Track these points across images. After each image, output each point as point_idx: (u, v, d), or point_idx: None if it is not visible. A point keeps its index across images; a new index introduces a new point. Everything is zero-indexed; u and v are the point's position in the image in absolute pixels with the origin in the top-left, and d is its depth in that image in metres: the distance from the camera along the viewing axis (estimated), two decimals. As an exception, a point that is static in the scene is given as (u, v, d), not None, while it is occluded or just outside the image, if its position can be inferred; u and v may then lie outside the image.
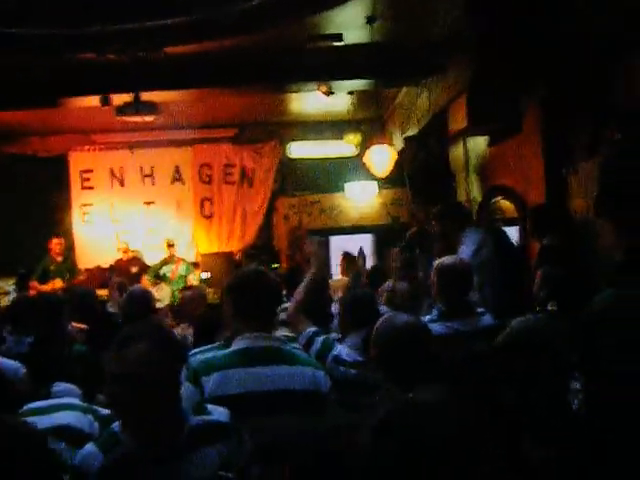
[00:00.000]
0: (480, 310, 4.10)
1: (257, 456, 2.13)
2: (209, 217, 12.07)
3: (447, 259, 4.12)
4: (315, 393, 2.79)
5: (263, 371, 2.69)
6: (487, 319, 4.04)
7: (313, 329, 3.67)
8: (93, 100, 8.29)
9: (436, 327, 3.68)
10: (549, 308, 3.55)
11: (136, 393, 2.03)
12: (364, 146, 10.14)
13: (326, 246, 10.84)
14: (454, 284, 3.99)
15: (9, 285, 10.38)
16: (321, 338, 3.60)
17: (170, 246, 10.75)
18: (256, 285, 2.86)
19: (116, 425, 2.16)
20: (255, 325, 2.81)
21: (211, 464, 2.21)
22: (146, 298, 4.80)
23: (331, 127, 11.45)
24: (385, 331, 2.84)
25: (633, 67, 5.35)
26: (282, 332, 4.50)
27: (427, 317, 3.97)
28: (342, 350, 3.55)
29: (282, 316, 5.77)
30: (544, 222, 5.60)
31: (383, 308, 4.28)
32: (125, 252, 10.90)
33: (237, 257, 11.87)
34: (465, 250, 4.93)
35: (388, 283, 5.00)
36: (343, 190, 10.87)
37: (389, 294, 4.68)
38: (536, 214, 5.82)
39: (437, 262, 4.13)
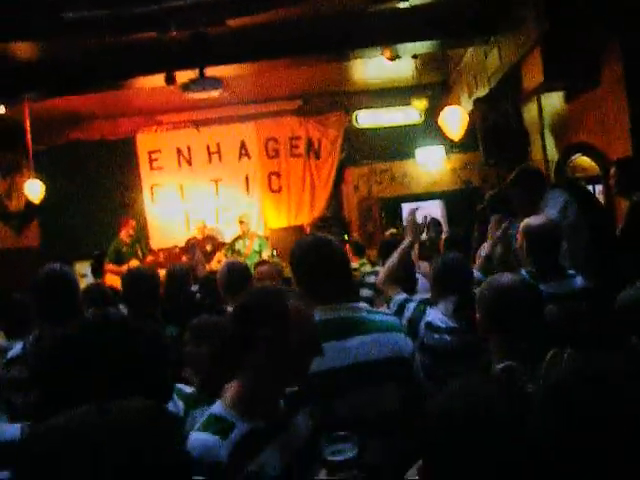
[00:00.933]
0: (571, 272, 3.90)
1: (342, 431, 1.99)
2: (277, 191, 12.03)
3: (534, 219, 3.93)
4: (397, 359, 2.57)
5: (338, 344, 2.48)
6: (579, 281, 3.85)
7: (404, 295, 3.61)
8: (158, 79, 8.28)
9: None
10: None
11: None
12: (431, 111, 9.89)
13: (397, 214, 10.71)
14: (544, 245, 3.81)
15: (85, 268, 10.58)
16: (413, 304, 3.52)
17: (242, 222, 10.77)
18: (316, 255, 2.65)
19: (217, 407, 2.06)
20: (323, 296, 2.59)
21: (304, 430, 2.17)
22: (246, 269, 4.78)
23: (396, 93, 11.20)
24: (493, 293, 2.61)
25: None
26: (364, 293, 4.41)
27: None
28: (435, 316, 3.45)
29: (368, 279, 5.71)
30: (633, 177, 5.30)
31: (477, 274, 4.13)
32: (201, 230, 10.96)
33: (307, 230, 11.82)
34: (551, 211, 4.70)
35: (482, 249, 4.81)
36: (412, 156, 10.67)
37: (483, 260, 4.49)
38: (623, 169, 5.47)
39: (524, 223, 3.94)
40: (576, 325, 3.19)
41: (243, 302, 2.11)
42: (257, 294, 2.15)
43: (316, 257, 2.63)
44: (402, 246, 3.67)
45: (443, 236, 6.69)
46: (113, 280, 9.19)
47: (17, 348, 3.32)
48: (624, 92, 6.03)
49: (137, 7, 6.92)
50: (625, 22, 5.81)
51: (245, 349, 2.02)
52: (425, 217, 4.14)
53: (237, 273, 4.52)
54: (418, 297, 3.89)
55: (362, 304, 2.73)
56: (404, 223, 4.10)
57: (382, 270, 3.86)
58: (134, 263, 9.97)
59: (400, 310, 3.50)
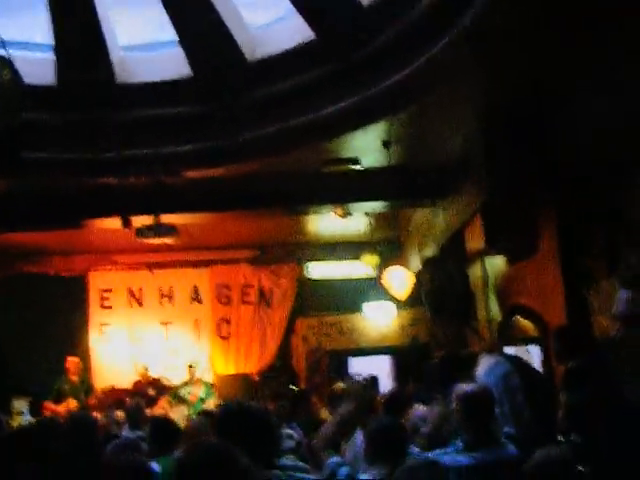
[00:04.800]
0: (504, 440, 3.94)
1: None
2: (226, 338, 11.95)
3: (468, 387, 4.00)
4: None
5: None
6: (511, 449, 3.87)
7: (336, 459, 3.57)
8: (114, 222, 8.43)
9: (461, 458, 3.57)
10: (573, 439, 3.40)
11: None
12: (382, 267, 10.14)
13: (344, 367, 10.67)
14: (477, 412, 3.86)
15: (23, 406, 10.22)
16: (345, 470, 3.48)
17: (191, 367, 10.61)
18: (238, 421, 2.76)
19: None
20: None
21: None
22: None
23: (349, 248, 11.50)
24: None
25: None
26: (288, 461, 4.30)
27: (451, 448, 3.82)
28: (366, 481, 3.41)
29: (288, 444, 5.65)
30: (568, 345, 5.46)
31: (414, 449, 4.07)
32: (143, 375, 10.73)
33: (255, 378, 11.68)
34: (479, 373, 4.79)
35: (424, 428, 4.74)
36: (361, 310, 10.79)
37: (425, 439, 4.40)
38: (559, 337, 5.67)
39: (457, 390, 4.00)
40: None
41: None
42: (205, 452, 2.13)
43: (239, 424, 2.72)
44: (339, 415, 3.69)
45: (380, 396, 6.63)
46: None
47: None
48: (559, 261, 6.31)
49: (95, 153, 7.17)
50: (560, 195, 6.18)
51: None
52: (362, 377, 4.17)
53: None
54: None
55: (279, 472, 2.76)
56: (347, 382, 4.12)
57: (318, 435, 3.85)
58: (72, 403, 9.69)
59: (332, 475, 3.47)
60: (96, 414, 7.94)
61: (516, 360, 5.30)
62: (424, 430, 4.61)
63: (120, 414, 8.02)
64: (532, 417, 4.74)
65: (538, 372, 5.92)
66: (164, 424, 4.84)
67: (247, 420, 2.74)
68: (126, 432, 6.68)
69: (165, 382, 10.83)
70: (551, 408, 5.03)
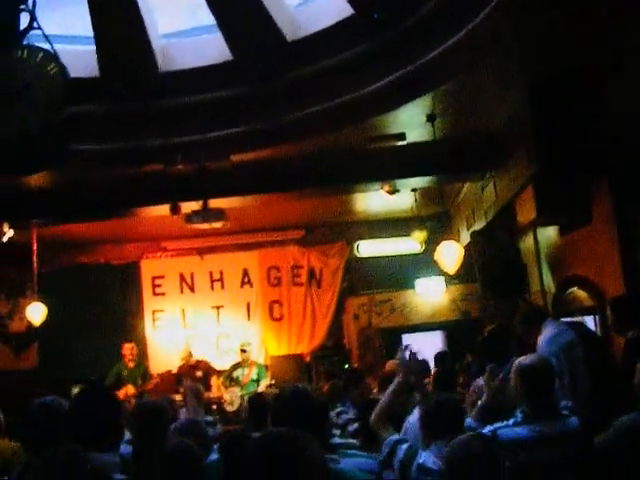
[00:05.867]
0: (565, 412, 3.87)
1: None
2: (278, 320, 12.06)
3: (527, 359, 3.93)
4: None
5: None
6: (574, 421, 3.80)
7: (396, 437, 3.56)
8: (163, 209, 8.52)
9: (520, 431, 3.52)
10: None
11: None
12: (431, 242, 10.07)
13: (397, 345, 10.63)
14: (537, 384, 3.79)
15: (83, 394, 10.41)
16: (405, 446, 3.47)
17: (244, 351, 10.68)
18: (294, 405, 2.79)
19: None
20: None
21: None
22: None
23: (396, 224, 11.44)
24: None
25: None
26: (338, 439, 4.30)
27: (511, 420, 3.77)
28: (427, 459, 3.38)
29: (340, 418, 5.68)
30: (627, 314, 5.35)
31: (470, 422, 4.05)
32: (186, 359, 10.82)
33: (307, 359, 11.74)
34: (542, 340, 4.72)
35: (475, 391, 4.74)
36: (412, 287, 10.75)
37: (479, 410, 4.37)
38: (617, 306, 5.55)
39: (516, 363, 3.94)
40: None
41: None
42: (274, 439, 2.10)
43: (293, 409, 2.74)
44: (392, 386, 3.68)
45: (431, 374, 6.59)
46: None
47: None
48: (615, 230, 6.17)
49: (144, 141, 7.23)
50: (612, 164, 6.04)
51: None
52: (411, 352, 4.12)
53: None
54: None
55: (334, 456, 2.78)
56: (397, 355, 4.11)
57: (375, 410, 3.83)
58: (130, 389, 9.88)
59: (392, 452, 3.46)
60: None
61: (580, 328, 5.19)
62: (479, 403, 4.58)
63: (178, 397, 8.17)
64: (592, 390, 4.66)
65: (601, 340, 5.80)
66: (259, 400, 4.91)
67: (301, 403, 2.76)
68: (184, 415, 6.76)
69: (210, 364, 10.92)
70: (613, 379, 4.95)
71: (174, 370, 11.20)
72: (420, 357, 4.62)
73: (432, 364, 7.56)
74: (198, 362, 10.79)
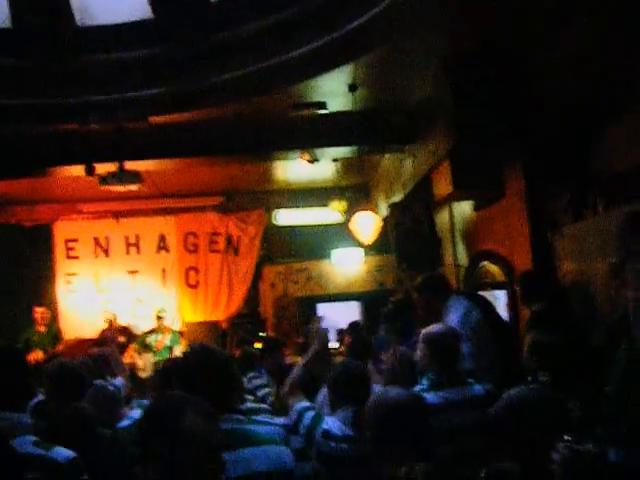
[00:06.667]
0: (470, 380, 4.00)
1: None
2: (194, 286, 11.97)
3: (434, 327, 4.04)
4: (284, 472, 2.68)
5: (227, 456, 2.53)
6: (478, 388, 3.93)
7: (304, 404, 3.58)
8: (78, 169, 8.26)
9: (427, 396, 3.60)
10: (540, 379, 3.46)
11: None
12: (350, 213, 10.15)
13: (313, 314, 10.74)
14: (443, 352, 3.90)
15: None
16: (311, 413, 3.50)
17: (159, 318, 10.59)
18: (199, 366, 2.75)
19: None
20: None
21: None
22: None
23: (316, 194, 11.49)
24: (377, 411, 2.73)
25: (614, 132, 5.41)
26: (251, 404, 4.32)
27: (417, 387, 3.87)
28: (333, 424, 3.42)
29: (251, 383, 5.73)
30: (533, 288, 5.56)
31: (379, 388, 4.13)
32: (111, 323, 10.70)
33: (223, 326, 11.73)
34: (452, 318, 4.84)
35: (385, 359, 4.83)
36: (329, 257, 10.83)
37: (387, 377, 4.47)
38: (525, 280, 5.78)
39: (424, 331, 4.04)
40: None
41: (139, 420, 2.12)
42: (152, 410, 2.14)
43: (199, 366, 2.73)
44: (307, 355, 3.72)
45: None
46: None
47: None
48: (525, 205, 6.36)
49: (56, 98, 6.97)
50: (527, 141, 6.19)
51: (140, 464, 2.00)
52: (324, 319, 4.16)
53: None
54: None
55: (241, 417, 2.77)
56: (312, 324, 4.15)
57: (287, 379, 3.85)
58: (39, 355, 9.64)
59: (299, 418, 3.49)
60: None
61: (477, 297, 5.34)
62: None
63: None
64: (496, 353, 4.80)
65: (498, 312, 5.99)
66: (169, 364, 4.87)
67: (206, 356, 2.75)
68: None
69: (133, 330, 10.84)
70: (514, 346, 5.13)
71: (87, 336, 11.01)
72: (336, 327, 4.69)
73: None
74: (124, 328, 10.66)
